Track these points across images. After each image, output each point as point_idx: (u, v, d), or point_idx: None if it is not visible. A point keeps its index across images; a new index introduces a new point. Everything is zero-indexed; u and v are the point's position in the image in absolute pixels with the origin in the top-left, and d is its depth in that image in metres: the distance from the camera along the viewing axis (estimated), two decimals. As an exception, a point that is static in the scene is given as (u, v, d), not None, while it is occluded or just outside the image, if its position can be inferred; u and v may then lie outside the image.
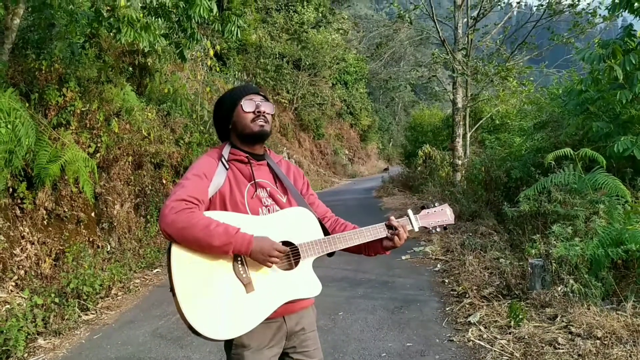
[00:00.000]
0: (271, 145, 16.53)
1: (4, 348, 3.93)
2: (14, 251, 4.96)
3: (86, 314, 4.95)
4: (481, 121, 13.61)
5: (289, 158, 19.35)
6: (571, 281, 4.03)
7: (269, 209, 1.80)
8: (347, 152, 30.50)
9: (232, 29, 6.53)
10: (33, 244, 5.24)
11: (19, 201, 5.30)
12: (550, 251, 4.30)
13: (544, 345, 3.43)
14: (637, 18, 5.41)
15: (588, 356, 3.18)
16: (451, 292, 5.03)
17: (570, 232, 4.40)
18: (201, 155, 1.91)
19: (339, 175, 26.81)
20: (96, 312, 5.03)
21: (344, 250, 1.86)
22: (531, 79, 12.23)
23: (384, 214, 9.93)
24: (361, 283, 5.64)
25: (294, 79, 23.18)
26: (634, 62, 5.08)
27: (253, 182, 1.81)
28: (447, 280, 5.46)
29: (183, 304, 1.57)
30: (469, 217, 7.88)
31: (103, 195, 6.72)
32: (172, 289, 1.59)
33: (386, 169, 26.87)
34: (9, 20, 5.49)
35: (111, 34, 5.67)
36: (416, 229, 1.90)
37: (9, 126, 4.71)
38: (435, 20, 11.82)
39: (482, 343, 3.67)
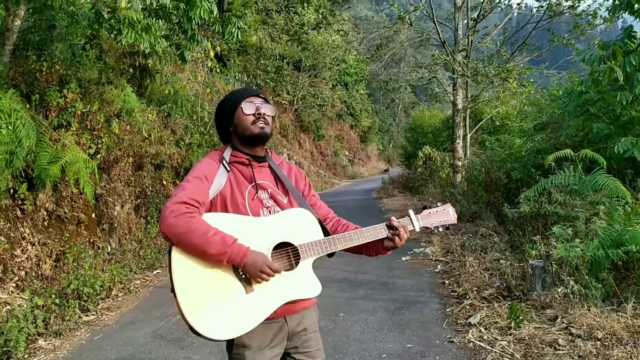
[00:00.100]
0: (271, 147, 16.50)
1: (4, 349, 3.93)
2: (14, 252, 4.97)
3: (87, 315, 4.95)
4: (481, 122, 13.62)
5: (289, 159, 19.35)
6: (571, 282, 4.03)
7: (269, 210, 1.81)
8: (347, 153, 30.50)
9: (233, 30, 6.55)
10: (34, 245, 5.24)
11: (20, 202, 5.30)
12: (551, 252, 4.30)
13: (544, 346, 3.43)
14: (638, 19, 5.41)
15: (588, 357, 3.18)
16: (451, 293, 5.03)
17: (571, 234, 4.40)
18: (203, 157, 1.93)
19: (339, 177, 26.81)
20: (97, 313, 5.03)
21: (346, 250, 1.86)
22: (531, 80, 12.23)
23: (384, 215, 9.94)
24: (361, 284, 5.64)
25: (294, 80, 23.19)
26: (634, 63, 5.08)
27: (254, 183, 1.82)
28: (447, 282, 5.46)
29: (183, 304, 1.58)
30: (469, 218, 7.88)
31: (103, 196, 6.72)
32: (172, 290, 1.61)
33: (386, 170, 26.86)
34: (9, 21, 5.50)
35: (112, 35, 5.68)
36: (417, 229, 1.90)
37: (9, 127, 4.71)
38: (436, 22, 11.84)
39: (482, 344, 3.67)
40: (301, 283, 1.73)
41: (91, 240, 6.16)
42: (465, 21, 11.87)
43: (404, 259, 6.72)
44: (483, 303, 4.48)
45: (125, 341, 4.27)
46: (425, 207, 1.97)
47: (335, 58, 25.59)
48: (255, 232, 1.72)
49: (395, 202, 13.24)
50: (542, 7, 11.51)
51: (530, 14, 12.37)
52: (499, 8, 12.38)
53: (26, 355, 4.03)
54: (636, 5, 5.30)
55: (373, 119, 34.84)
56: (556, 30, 11.34)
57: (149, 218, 7.62)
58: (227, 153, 1.85)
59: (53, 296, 4.74)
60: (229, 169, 1.81)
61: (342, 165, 28.64)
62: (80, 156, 5.64)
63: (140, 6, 5.32)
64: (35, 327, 4.34)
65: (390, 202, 13.41)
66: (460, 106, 11.65)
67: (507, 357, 3.41)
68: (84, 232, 6.10)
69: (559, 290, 4.14)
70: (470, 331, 3.93)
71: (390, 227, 1.84)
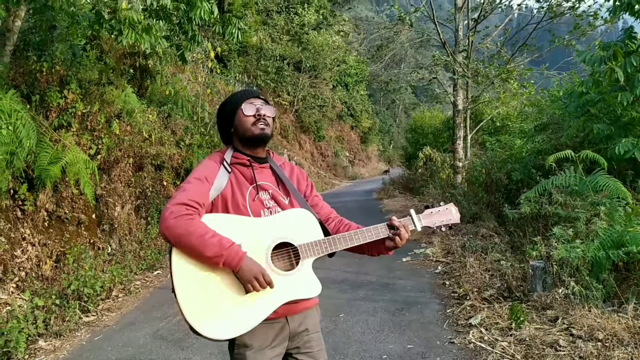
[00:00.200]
0: (272, 148, 16.51)
1: (4, 350, 3.93)
2: (15, 253, 4.96)
3: (87, 316, 4.95)
4: (482, 123, 13.61)
5: (289, 160, 19.35)
6: (572, 283, 4.03)
7: (270, 211, 1.81)
8: (347, 154, 30.50)
9: (233, 31, 6.54)
10: (34, 245, 5.24)
11: (20, 203, 5.30)
12: (551, 253, 4.29)
13: (545, 347, 3.43)
14: (638, 20, 5.42)
15: (589, 358, 3.18)
16: (452, 294, 5.03)
17: (571, 234, 4.39)
18: (204, 158, 1.93)
19: (340, 177, 26.82)
20: (97, 313, 5.03)
21: (348, 250, 1.86)
22: (532, 81, 12.25)
23: (385, 216, 9.93)
24: (362, 285, 5.64)
25: (294, 81, 23.21)
26: (634, 64, 5.08)
27: (255, 184, 1.82)
28: (447, 282, 5.46)
29: (184, 304, 1.59)
30: (469, 219, 7.88)
31: (104, 197, 6.72)
32: (173, 290, 1.62)
33: (387, 171, 26.87)
34: (10, 22, 5.51)
35: (112, 36, 5.68)
36: (419, 229, 1.89)
37: (10, 128, 4.72)
38: (436, 23, 11.84)
39: (483, 345, 3.67)
40: (301, 283, 1.73)
41: (91, 241, 6.16)
42: (466, 22, 11.87)
43: (404, 259, 6.72)
44: (484, 304, 4.48)
45: (125, 342, 4.27)
46: (427, 207, 1.96)
47: (336, 59, 25.60)
48: (255, 233, 1.72)
49: (395, 203, 13.24)
50: (543, 7, 11.51)
51: (531, 15, 12.37)
52: (500, 9, 12.37)
53: (26, 356, 4.02)
54: (637, 6, 5.30)
55: (373, 120, 34.86)
56: (557, 31, 11.35)
57: (149, 219, 7.62)
58: (228, 154, 1.86)
59: (53, 297, 4.74)
60: (229, 170, 1.81)
61: (343, 166, 28.64)
62: (80, 157, 5.64)
63: (141, 7, 5.32)
64: (35, 328, 4.34)
65: (390, 203, 13.41)
66: (460, 107, 11.65)
67: (507, 358, 3.40)
68: (84, 232, 6.10)
69: (560, 291, 4.14)
70: (471, 332, 3.92)
71: (391, 226, 1.84)
